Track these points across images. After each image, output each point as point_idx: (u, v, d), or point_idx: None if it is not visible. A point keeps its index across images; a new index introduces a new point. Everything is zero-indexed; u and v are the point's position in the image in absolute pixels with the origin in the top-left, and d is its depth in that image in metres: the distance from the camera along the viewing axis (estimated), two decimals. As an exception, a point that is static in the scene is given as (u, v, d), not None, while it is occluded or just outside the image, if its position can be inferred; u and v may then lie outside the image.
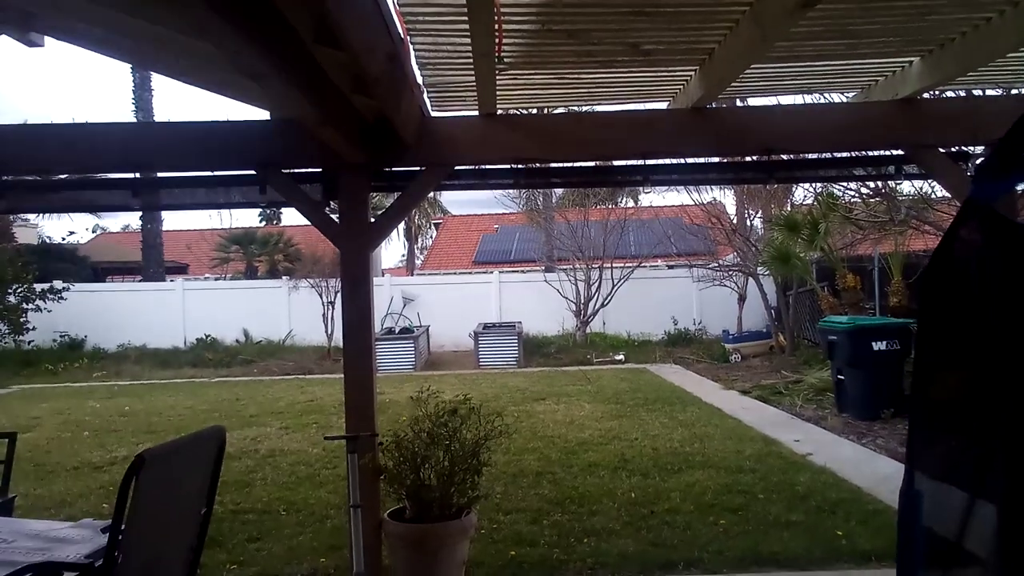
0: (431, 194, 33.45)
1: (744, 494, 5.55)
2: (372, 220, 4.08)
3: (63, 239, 23.37)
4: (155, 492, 2.07)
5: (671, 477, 6.12)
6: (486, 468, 4.15)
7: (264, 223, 34.43)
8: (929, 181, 9.21)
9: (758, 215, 16.31)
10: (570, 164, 4.26)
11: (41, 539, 2.23)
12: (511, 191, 24.97)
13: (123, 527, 1.99)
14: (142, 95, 20.15)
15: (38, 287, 16.19)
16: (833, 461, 6.44)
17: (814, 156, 4.30)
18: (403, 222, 34.00)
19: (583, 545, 4.60)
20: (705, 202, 16.27)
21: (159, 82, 22.55)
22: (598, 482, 6.04)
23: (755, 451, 6.96)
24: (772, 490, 5.63)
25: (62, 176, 4.73)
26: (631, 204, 23.08)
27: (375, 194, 4.56)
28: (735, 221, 16.72)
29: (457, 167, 4.12)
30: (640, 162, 4.07)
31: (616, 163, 4.30)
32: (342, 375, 4.16)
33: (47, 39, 4.10)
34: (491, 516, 5.16)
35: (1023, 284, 1.90)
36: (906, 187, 9.83)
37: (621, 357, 15.85)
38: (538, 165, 4.34)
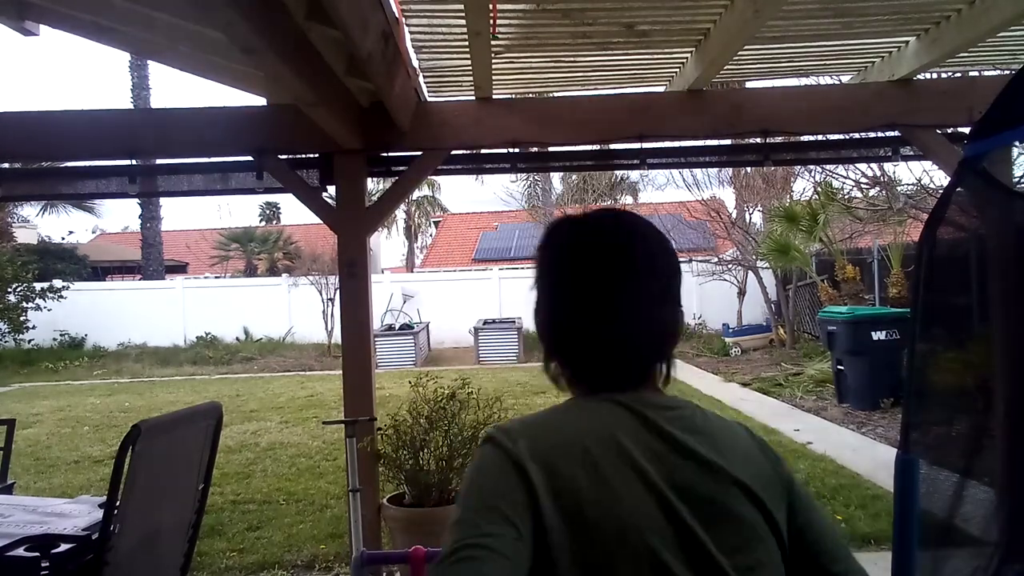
0: (430, 192, 33.40)
1: (744, 481, 5.54)
2: (369, 205, 4.09)
3: (62, 239, 23.34)
4: (151, 464, 2.06)
5: (671, 465, 6.11)
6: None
7: (264, 222, 34.43)
8: (927, 172, 9.23)
9: (757, 207, 16.29)
10: (567, 148, 4.25)
11: (38, 513, 2.23)
12: (512, 188, 25.02)
13: (119, 499, 1.99)
14: (140, 94, 20.13)
15: (38, 286, 16.17)
16: (833, 449, 6.44)
17: (810, 139, 4.29)
18: (404, 221, 34.08)
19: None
20: (705, 198, 16.26)
21: (157, 79, 22.45)
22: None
23: (755, 440, 6.95)
24: (772, 477, 5.62)
25: (61, 164, 4.73)
26: (630, 201, 23.11)
27: (373, 179, 4.55)
28: (734, 216, 16.69)
29: (454, 152, 4.12)
30: (637, 145, 4.06)
31: (613, 147, 4.29)
32: (342, 370, 4.13)
33: (43, 28, 4.12)
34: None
35: (1016, 247, 1.90)
36: (904, 176, 9.84)
37: (621, 352, 15.81)
38: (535, 150, 4.34)
